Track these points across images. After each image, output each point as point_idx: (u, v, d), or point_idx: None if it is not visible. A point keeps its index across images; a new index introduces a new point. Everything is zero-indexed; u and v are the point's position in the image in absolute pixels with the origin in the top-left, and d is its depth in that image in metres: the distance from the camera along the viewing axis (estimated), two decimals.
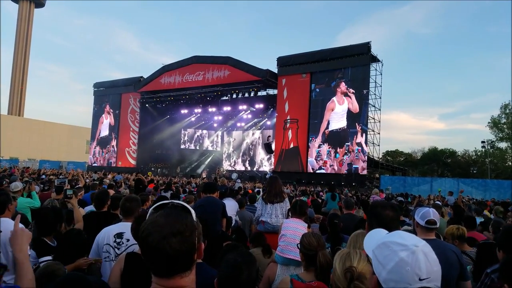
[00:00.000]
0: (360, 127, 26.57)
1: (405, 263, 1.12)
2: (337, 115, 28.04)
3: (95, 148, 43.93)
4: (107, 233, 3.33)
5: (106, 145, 42.54)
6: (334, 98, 28.21)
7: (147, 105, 38.98)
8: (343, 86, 27.81)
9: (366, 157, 26.43)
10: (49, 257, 2.91)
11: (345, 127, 27.36)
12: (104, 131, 43.15)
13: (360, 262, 1.83)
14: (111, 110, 42.32)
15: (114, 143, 41.76)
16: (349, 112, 27.25)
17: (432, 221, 2.92)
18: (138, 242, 2.84)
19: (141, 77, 39.49)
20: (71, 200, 4.50)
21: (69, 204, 4.74)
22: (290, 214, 4.41)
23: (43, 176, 15.65)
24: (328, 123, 28.33)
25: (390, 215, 2.24)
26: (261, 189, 13.70)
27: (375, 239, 1.31)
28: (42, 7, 76.77)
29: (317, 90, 29.13)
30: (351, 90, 27.26)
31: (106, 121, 42.98)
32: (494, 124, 48.24)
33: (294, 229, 3.77)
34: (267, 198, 5.26)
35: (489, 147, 44.50)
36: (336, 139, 27.76)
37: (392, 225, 2.14)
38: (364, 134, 26.37)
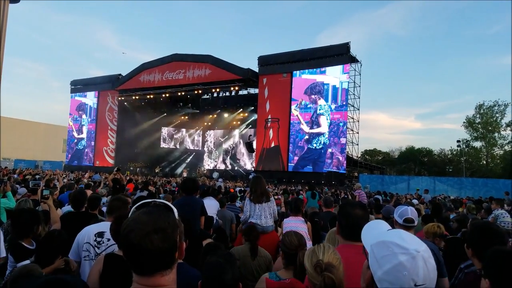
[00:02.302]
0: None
1: (403, 268, 1.11)
2: None
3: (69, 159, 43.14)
4: (87, 232, 3.28)
5: (81, 160, 41.72)
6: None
7: (125, 103, 38.38)
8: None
9: (345, 156, 26.74)
10: (27, 261, 2.85)
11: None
12: (80, 140, 42.26)
13: (325, 253, 1.93)
14: (89, 114, 41.50)
15: (91, 154, 40.87)
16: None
17: (410, 219, 2.99)
18: (117, 241, 2.81)
19: (120, 74, 38.87)
20: (47, 200, 4.40)
21: (45, 205, 4.64)
22: (288, 212, 4.53)
23: (15, 176, 15.28)
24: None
25: (360, 214, 2.26)
26: (242, 188, 13.71)
27: (375, 233, 1.29)
28: (17, 2, 74.78)
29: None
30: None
31: (86, 130, 42.04)
32: (469, 124, 49.54)
33: (295, 228, 3.86)
34: (254, 198, 5.22)
35: (464, 146, 45.65)
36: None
37: (361, 224, 2.18)
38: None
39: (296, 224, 3.99)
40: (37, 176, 14.79)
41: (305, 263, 1.95)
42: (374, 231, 1.32)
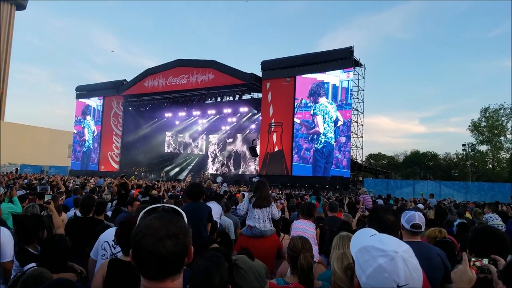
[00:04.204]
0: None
1: (383, 270, 1.12)
2: None
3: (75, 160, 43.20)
4: (110, 232, 3.35)
5: (87, 164, 41.90)
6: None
7: (130, 108, 38.61)
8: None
9: (349, 160, 26.67)
10: (33, 264, 2.86)
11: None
12: (85, 144, 42.29)
13: None
14: (93, 116, 41.69)
15: (96, 157, 41.01)
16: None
17: (417, 225, 2.95)
18: (122, 247, 2.81)
19: (124, 80, 39.08)
20: (50, 205, 4.42)
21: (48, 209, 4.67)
22: (299, 215, 4.54)
23: (26, 181, 15.40)
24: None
25: (392, 220, 2.25)
26: (246, 193, 13.65)
27: (360, 241, 1.30)
28: (23, 9, 75.52)
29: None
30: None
31: (89, 132, 42.15)
32: (475, 127, 49.21)
33: (303, 230, 3.88)
34: (257, 202, 5.22)
35: (470, 150, 45.37)
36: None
37: (394, 229, 2.16)
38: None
39: (304, 227, 4.00)
40: (42, 181, 14.88)
41: (333, 265, 1.91)
42: (359, 239, 1.34)
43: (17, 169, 38.86)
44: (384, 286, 1.11)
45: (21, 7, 74.01)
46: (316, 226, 4.80)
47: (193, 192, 4.91)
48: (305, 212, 4.48)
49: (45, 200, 4.51)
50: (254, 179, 23.73)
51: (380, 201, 14.03)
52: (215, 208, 6.14)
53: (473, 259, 1.80)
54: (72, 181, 19.59)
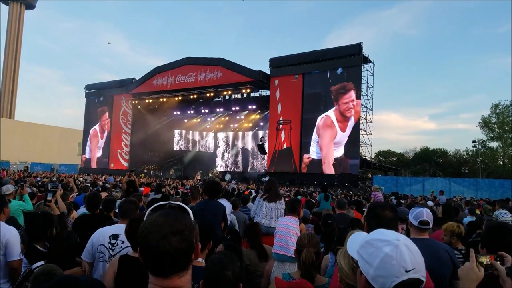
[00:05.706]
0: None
1: (390, 258, 1.15)
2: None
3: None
4: (102, 234, 3.31)
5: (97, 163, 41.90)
6: (333, 120, 27.59)
7: (139, 106, 38.80)
8: (346, 100, 26.91)
9: (358, 157, 26.57)
10: (42, 262, 2.89)
11: (343, 155, 26.84)
12: (96, 150, 42.37)
13: None
14: (103, 117, 41.92)
15: (106, 157, 41.10)
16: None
17: (425, 222, 2.95)
18: (132, 243, 2.85)
19: (133, 78, 39.28)
20: (51, 204, 4.45)
21: (57, 208, 4.70)
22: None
23: (38, 179, 15.57)
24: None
25: (390, 216, 2.25)
26: (253, 190, 13.69)
27: (358, 241, 1.33)
28: (32, 8, 76.28)
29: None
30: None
31: (101, 136, 42.28)
32: (485, 123, 48.54)
33: (286, 226, 3.90)
34: (269, 197, 5.32)
35: (480, 147, 44.82)
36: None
37: (391, 225, 2.14)
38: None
39: (287, 223, 4.02)
40: (54, 179, 15.04)
41: (340, 262, 1.93)
42: (357, 240, 1.38)
43: (27, 167, 39.28)
44: (393, 273, 1.14)
45: (30, 6, 74.74)
46: (300, 221, 4.82)
47: (211, 190, 4.92)
48: (289, 208, 4.52)
49: (46, 198, 4.53)
50: (264, 179, 23.78)
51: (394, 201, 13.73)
52: (226, 205, 6.18)
53: (480, 256, 1.79)
54: (82, 179, 19.76)
